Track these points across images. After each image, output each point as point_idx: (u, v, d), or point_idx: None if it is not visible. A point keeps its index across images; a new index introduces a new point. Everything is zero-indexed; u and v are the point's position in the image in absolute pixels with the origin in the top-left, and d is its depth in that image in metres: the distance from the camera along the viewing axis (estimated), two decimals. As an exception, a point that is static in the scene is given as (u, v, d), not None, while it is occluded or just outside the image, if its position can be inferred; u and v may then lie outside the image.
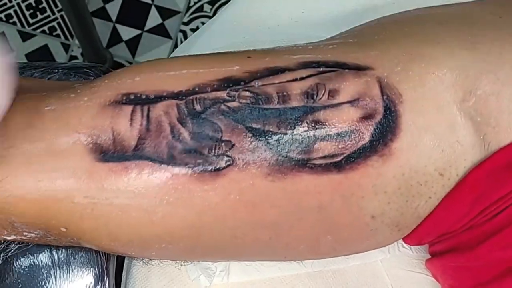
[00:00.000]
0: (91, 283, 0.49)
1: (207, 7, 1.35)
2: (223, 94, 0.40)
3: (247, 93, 0.40)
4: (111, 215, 0.41)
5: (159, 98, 0.40)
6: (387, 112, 0.40)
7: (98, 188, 0.40)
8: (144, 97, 0.40)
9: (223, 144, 0.40)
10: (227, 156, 0.40)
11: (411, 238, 0.45)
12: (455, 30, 0.44)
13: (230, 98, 0.40)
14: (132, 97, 0.40)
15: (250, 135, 0.40)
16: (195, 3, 1.35)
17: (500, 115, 0.41)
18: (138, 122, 0.40)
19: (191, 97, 0.40)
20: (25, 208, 0.40)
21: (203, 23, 1.33)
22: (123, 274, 0.57)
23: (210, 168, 0.40)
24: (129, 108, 0.40)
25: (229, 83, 0.41)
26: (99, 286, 0.49)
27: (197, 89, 0.40)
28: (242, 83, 0.41)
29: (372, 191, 0.41)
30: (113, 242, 0.43)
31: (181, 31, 1.34)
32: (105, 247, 0.44)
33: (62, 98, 0.41)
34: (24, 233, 0.43)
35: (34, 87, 0.44)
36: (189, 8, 1.35)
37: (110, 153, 0.40)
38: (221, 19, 0.64)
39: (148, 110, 0.40)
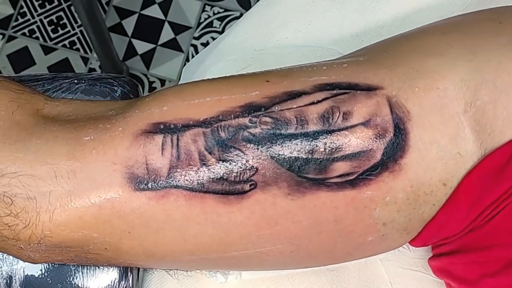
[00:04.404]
0: (115, 279, 0.48)
1: (216, 23, 1.35)
2: (245, 120, 0.41)
3: (268, 119, 0.41)
4: (146, 236, 0.42)
5: (186, 127, 0.41)
6: (397, 131, 0.41)
7: (136, 215, 0.41)
8: (172, 126, 0.41)
9: (247, 170, 0.40)
10: (251, 180, 0.40)
11: (416, 241, 0.45)
12: (457, 40, 0.43)
13: (252, 125, 0.41)
14: (161, 126, 0.41)
15: (271, 160, 0.40)
16: (205, 19, 1.35)
17: (495, 122, 0.40)
18: (169, 152, 0.41)
19: (216, 125, 0.41)
20: (69, 234, 0.41)
21: (212, 38, 1.33)
22: (140, 270, 0.58)
23: (236, 192, 0.41)
24: (159, 138, 0.41)
25: (250, 109, 0.41)
26: (123, 282, 0.49)
27: (221, 117, 0.41)
28: (262, 109, 0.41)
29: (383, 203, 0.41)
30: (148, 258, 0.44)
31: (192, 45, 1.34)
32: (141, 263, 0.45)
33: (99, 128, 0.42)
34: (67, 256, 0.44)
35: (73, 113, 0.45)
36: (199, 24, 1.35)
37: (145, 182, 0.41)
38: (233, 32, 0.64)
39: (177, 139, 0.41)
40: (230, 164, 0.40)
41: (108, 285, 0.49)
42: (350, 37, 0.59)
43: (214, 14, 1.35)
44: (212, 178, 0.40)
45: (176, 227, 0.41)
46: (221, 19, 1.35)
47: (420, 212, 0.43)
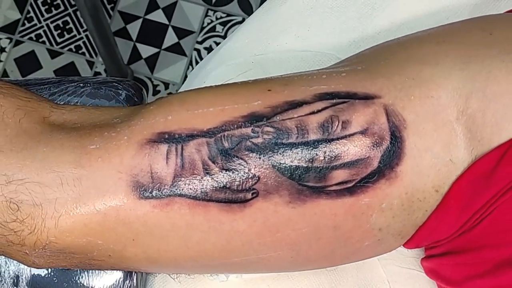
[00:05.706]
0: (120, 278, 0.49)
1: (219, 28, 1.35)
2: (248, 130, 0.41)
3: (270, 129, 0.41)
4: (150, 244, 0.42)
5: (190, 137, 0.41)
6: (393, 138, 0.41)
7: (140, 223, 0.41)
8: (177, 136, 0.41)
9: (250, 178, 0.41)
10: (253, 189, 0.41)
11: (409, 244, 0.46)
12: (452, 49, 0.44)
13: (254, 135, 0.41)
14: (166, 136, 0.41)
15: (273, 169, 0.41)
16: (208, 24, 1.35)
17: (484, 128, 0.41)
18: (173, 161, 0.41)
19: (219, 135, 0.41)
20: (74, 240, 0.42)
21: (215, 42, 1.34)
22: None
23: (238, 200, 0.41)
24: (164, 147, 0.41)
25: (252, 119, 0.41)
26: (127, 281, 0.49)
27: (224, 127, 0.41)
28: (264, 119, 0.41)
29: (379, 209, 0.42)
30: (151, 264, 0.44)
31: (195, 49, 1.34)
32: (144, 269, 0.46)
33: (104, 136, 0.42)
34: (71, 262, 0.44)
35: (79, 121, 0.45)
36: (202, 28, 1.35)
37: (150, 191, 0.41)
38: (235, 37, 0.64)
39: (182, 149, 0.41)
40: (233, 173, 0.41)
41: (113, 284, 0.49)
42: (348, 42, 0.59)
43: (217, 19, 1.35)
44: (215, 187, 0.41)
45: (180, 235, 0.42)
46: (223, 23, 1.35)
47: (413, 217, 0.43)
